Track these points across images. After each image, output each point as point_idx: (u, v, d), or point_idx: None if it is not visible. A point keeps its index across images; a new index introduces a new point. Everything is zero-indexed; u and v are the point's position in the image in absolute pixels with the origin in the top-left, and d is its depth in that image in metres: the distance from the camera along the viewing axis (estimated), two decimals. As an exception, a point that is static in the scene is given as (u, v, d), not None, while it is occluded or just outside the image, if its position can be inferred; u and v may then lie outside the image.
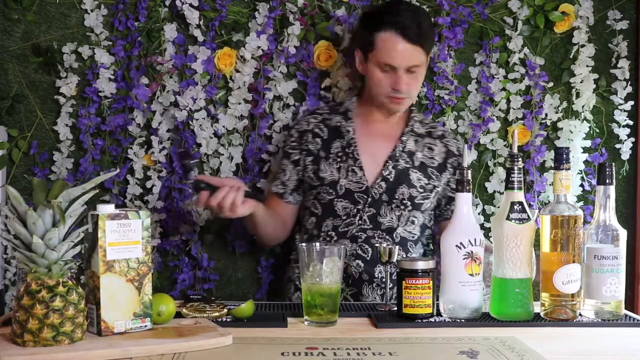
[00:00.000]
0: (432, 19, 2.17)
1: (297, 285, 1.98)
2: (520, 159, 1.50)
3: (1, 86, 2.21)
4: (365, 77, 1.97)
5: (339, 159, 1.97)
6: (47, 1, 2.20)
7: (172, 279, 2.23)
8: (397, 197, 1.93)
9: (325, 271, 1.46)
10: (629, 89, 2.24)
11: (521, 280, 1.48)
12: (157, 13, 2.18)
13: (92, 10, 2.19)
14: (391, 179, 1.94)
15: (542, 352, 1.24)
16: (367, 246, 1.92)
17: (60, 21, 2.21)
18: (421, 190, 1.95)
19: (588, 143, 2.24)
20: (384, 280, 1.90)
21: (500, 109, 2.23)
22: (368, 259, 1.92)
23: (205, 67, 2.17)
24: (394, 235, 1.93)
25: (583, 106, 2.24)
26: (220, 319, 1.47)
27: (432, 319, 1.49)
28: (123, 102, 2.19)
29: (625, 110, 2.25)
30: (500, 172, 2.21)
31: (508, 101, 2.23)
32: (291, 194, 2.04)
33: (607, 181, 1.51)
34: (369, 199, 1.93)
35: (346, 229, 1.94)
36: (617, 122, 2.26)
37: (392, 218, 1.93)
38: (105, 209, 1.31)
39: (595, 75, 2.23)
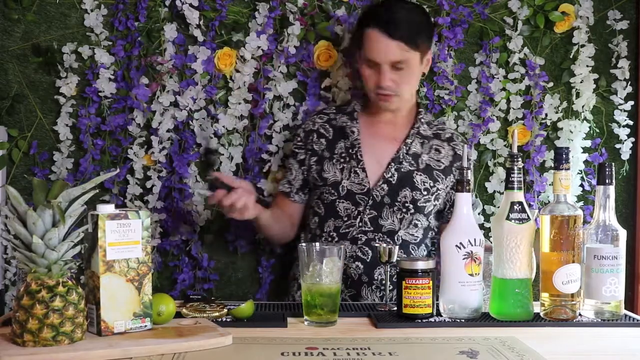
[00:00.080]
0: (433, 19, 2.17)
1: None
2: (520, 159, 1.50)
3: (1, 86, 2.21)
4: None
5: (342, 160, 1.96)
6: (47, 1, 2.20)
7: (172, 279, 2.24)
8: (399, 200, 1.92)
9: (325, 271, 1.46)
10: (629, 89, 2.24)
11: (521, 280, 1.48)
12: (157, 13, 2.18)
13: (92, 10, 2.19)
14: (393, 182, 1.93)
15: (542, 352, 1.24)
16: (367, 248, 1.92)
17: (60, 21, 2.21)
18: (425, 193, 1.93)
19: (588, 143, 2.24)
20: (383, 282, 1.90)
21: (500, 109, 2.23)
22: (368, 261, 1.91)
23: (205, 67, 2.17)
24: (396, 238, 1.92)
25: (583, 106, 2.24)
26: (220, 319, 1.47)
27: (432, 319, 1.49)
28: (123, 102, 2.19)
29: (625, 110, 2.25)
30: (500, 172, 2.21)
31: (508, 101, 2.23)
32: (297, 193, 2.04)
33: (607, 181, 1.51)
34: (370, 201, 1.93)
35: (347, 230, 1.93)
36: (617, 122, 2.26)
37: (393, 221, 1.92)
38: (105, 209, 1.31)
39: (595, 75, 2.23)
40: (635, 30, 2.27)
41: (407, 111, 2.01)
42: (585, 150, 2.25)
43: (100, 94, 2.18)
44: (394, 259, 1.59)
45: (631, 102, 2.24)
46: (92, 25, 2.19)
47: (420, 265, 1.47)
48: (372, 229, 1.92)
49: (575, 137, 2.23)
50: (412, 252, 1.95)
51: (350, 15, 2.19)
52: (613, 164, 1.54)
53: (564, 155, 1.51)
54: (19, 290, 1.24)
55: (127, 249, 1.32)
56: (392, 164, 1.94)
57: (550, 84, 2.24)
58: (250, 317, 1.49)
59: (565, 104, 2.25)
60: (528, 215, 1.48)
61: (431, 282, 1.48)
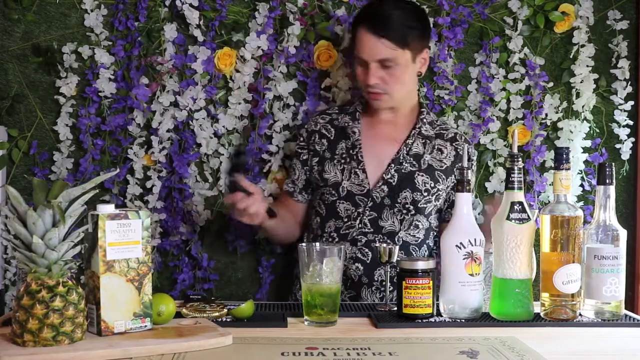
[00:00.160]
0: (433, 19, 2.17)
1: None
2: (520, 159, 1.50)
3: (1, 86, 2.21)
4: None
5: (343, 161, 1.96)
6: (47, 1, 2.20)
7: (172, 279, 2.24)
8: (399, 201, 1.92)
9: (325, 271, 1.46)
10: (629, 89, 2.24)
11: (521, 280, 1.48)
12: (157, 13, 2.18)
13: (92, 10, 2.19)
14: (394, 183, 1.92)
15: (542, 352, 1.24)
16: (367, 249, 1.91)
17: (60, 21, 2.21)
18: (426, 194, 1.93)
19: (588, 143, 2.24)
20: (383, 283, 1.89)
21: (500, 109, 2.23)
22: (368, 262, 1.91)
23: (205, 67, 2.17)
24: (396, 239, 1.92)
25: (583, 106, 2.24)
26: (220, 319, 1.47)
27: (432, 319, 1.49)
28: (123, 102, 2.19)
29: (625, 110, 2.25)
30: (500, 172, 2.21)
31: (508, 101, 2.23)
32: (300, 193, 2.05)
33: (607, 181, 1.51)
34: (370, 202, 1.93)
35: (347, 231, 1.93)
36: (617, 122, 2.25)
37: (393, 222, 1.92)
38: (105, 209, 1.31)
39: (595, 75, 2.23)
40: (635, 30, 2.27)
41: (409, 111, 2.00)
42: (586, 150, 2.25)
43: (100, 94, 2.18)
44: (394, 259, 1.59)
45: (631, 102, 2.24)
46: (92, 25, 2.19)
47: (421, 265, 1.47)
48: (372, 230, 1.92)
49: (576, 137, 2.23)
50: (413, 252, 1.95)
51: (350, 15, 2.19)
52: (613, 164, 1.54)
53: (564, 155, 1.51)
54: (19, 290, 1.24)
55: (127, 249, 1.32)
56: (392, 164, 1.94)
57: (550, 84, 2.24)
58: (250, 317, 1.49)
59: (565, 104, 2.25)
60: (528, 215, 1.48)
61: (431, 282, 1.48)
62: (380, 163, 1.95)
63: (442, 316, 1.51)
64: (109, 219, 1.30)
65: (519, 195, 1.49)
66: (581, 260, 1.50)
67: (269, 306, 1.63)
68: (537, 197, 2.23)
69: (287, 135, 2.21)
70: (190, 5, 2.16)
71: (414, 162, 1.95)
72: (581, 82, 2.23)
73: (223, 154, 2.20)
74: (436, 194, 1.94)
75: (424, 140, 1.97)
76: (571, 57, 2.24)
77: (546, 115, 2.24)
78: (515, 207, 1.48)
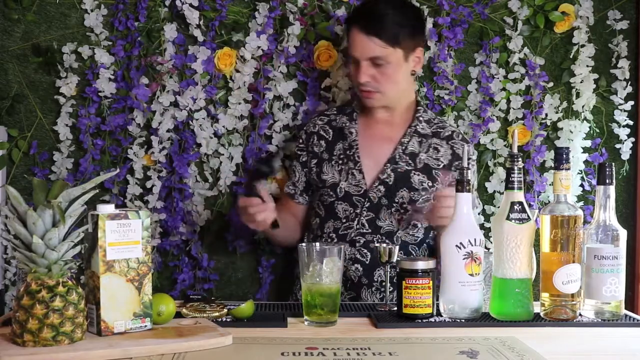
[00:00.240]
0: (433, 19, 2.18)
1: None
2: (520, 159, 1.50)
3: (1, 86, 2.21)
4: None
5: (340, 161, 1.96)
6: (47, 1, 2.20)
7: (172, 279, 2.24)
8: (397, 200, 1.91)
9: (325, 271, 1.46)
10: (629, 89, 2.24)
11: (521, 280, 1.48)
12: (157, 13, 2.18)
13: (92, 10, 2.19)
14: (390, 182, 1.92)
15: (542, 352, 1.24)
16: (365, 250, 1.91)
17: (60, 21, 2.21)
18: (423, 193, 1.92)
19: (588, 143, 2.24)
20: (383, 284, 1.89)
21: (500, 109, 2.23)
22: (367, 262, 1.91)
23: (205, 67, 2.17)
24: (394, 239, 1.92)
25: (583, 106, 2.24)
26: (220, 319, 1.47)
27: (432, 319, 1.49)
28: (123, 102, 2.19)
29: (625, 110, 2.25)
30: (500, 172, 2.21)
31: (508, 101, 2.23)
32: (301, 195, 2.05)
33: (607, 181, 1.51)
34: (367, 203, 1.92)
35: (345, 232, 1.93)
36: (617, 122, 2.25)
37: (391, 222, 1.92)
38: (105, 209, 1.31)
39: (595, 75, 2.23)
40: (635, 30, 2.27)
41: (405, 110, 2.00)
42: (586, 150, 2.25)
43: (100, 94, 2.18)
44: (394, 259, 1.59)
45: (631, 102, 2.24)
46: (92, 25, 2.19)
47: (420, 265, 1.47)
48: (370, 230, 1.92)
49: (575, 137, 2.23)
50: (412, 252, 1.95)
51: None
52: (613, 164, 1.54)
53: (564, 155, 1.51)
54: (19, 290, 1.24)
55: (127, 249, 1.32)
56: (388, 164, 1.94)
57: (550, 84, 2.24)
58: (250, 317, 1.49)
59: (565, 104, 2.25)
60: (528, 215, 1.48)
61: (431, 282, 1.48)
62: (377, 163, 1.95)
63: (442, 316, 1.51)
64: (109, 219, 1.30)
65: (519, 195, 1.49)
66: (581, 260, 1.50)
67: (269, 306, 1.63)
68: (537, 197, 2.23)
69: (287, 135, 2.21)
70: (190, 5, 2.16)
71: (410, 161, 1.94)
72: (581, 82, 2.23)
73: (223, 154, 2.20)
74: (434, 193, 1.94)
75: (420, 139, 1.97)
76: (571, 57, 2.24)
77: (546, 115, 2.24)
78: (515, 207, 1.48)
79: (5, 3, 2.18)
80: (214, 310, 1.49)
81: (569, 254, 1.49)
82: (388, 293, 1.62)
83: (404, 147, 1.95)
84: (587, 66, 2.23)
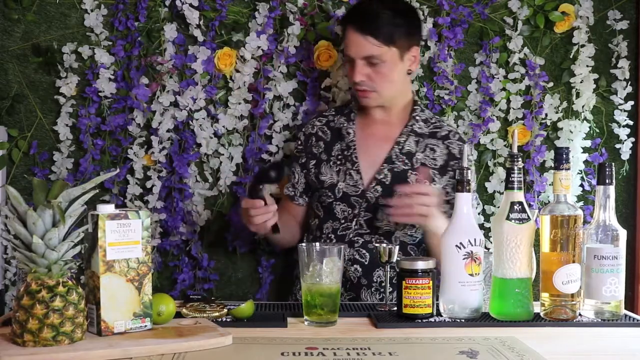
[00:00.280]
0: (433, 19, 2.18)
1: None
2: (520, 159, 1.50)
3: (1, 86, 2.21)
4: None
5: (338, 162, 1.96)
6: (47, 1, 2.20)
7: (172, 279, 2.24)
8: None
9: (325, 271, 1.45)
10: (629, 89, 2.24)
11: (521, 280, 1.48)
12: (157, 13, 2.19)
13: (92, 10, 2.19)
14: (387, 182, 1.91)
15: (542, 352, 1.24)
16: (364, 251, 1.91)
17: (60, 21, 2.21)
18: None
19: (588, 143, 2.25)
20: (382, 284, 1.89)
21: (500, 109, 2.23)
22: (366, 263, 1.91)
23: (205, 67, 2.17)
24: (393, 239, 1.92)
25: (583, 106, 2.24)
26: (220, 319, 1.47)
27: (432, 319, 1.48)
28: (123, 102, 2.19)
29: (625, 110, 2.25)
30: (500, 172, 2.21)
31: (508, 101, 2.23)
32: (301, 197, 2.05)
33: (607, 181, 1.51)
34: (365, 203, 1.92)
35: (344, 232, 1.93)
36: (617, 122, 2.26)
37: (389, 222, 1.92)
38: (105, 209, 1.31)
39: (595, 75, 2.23)
40: (635, 30, 2.27)
41: (402, 109, 1.99)
42: (585, 150, 2.25)
43: (100, 94, 2.18)
44: (394, 259, 1.58)
45: (631, 102, 2.24)
46: (92, 25, 2.19)
47: (420, 265, 1.47)
48: (368, 231, 1.92)
49: (575, 137, 2.23)
50: (411, 252, 1.95)
51: (350, 15, 2.19)
52: (613, 164, 1.54)
53: (564, 155, 1.51)
54: (19, 290, 1.24)
55: (127, 249, 1.32)
56: (385, 164, 1.93)
57: (550, 84, 2.24)
58: (250, 317, 1.49)
59: (565, 104, 2.25)
60: (528, 215, 1.48)
61: (431, 282, 1.48)
62: (374, 163, 1.94)
63: (442, 316, 1.51)
64: (109, 219, 1.30)
65: (518, 195, 1.49)
66: (581, 260, 1.50)
67: (269, 306, 1.63)
68: (537, 197, 2.23)
69: (287, 135, 2.21)
70: (190, 5, 2.16)
71: (407, 161, 1.94)
72: (581, 82, 2.23)
73: (223, 154, 2.20)
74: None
75: (417, 139, 1.96)
76: (571, 57, 2.24)
77: (546, 115, 2.24)
78: (515, 207, 1.48)
79: (5, 3, 2.18)
80: (214, 310, 1.49)
81: (569, 254, 1.49)
82: (388, 293, 1.62)
83: (400, 147, 1.95)
84: (587, 66, 2.23)
